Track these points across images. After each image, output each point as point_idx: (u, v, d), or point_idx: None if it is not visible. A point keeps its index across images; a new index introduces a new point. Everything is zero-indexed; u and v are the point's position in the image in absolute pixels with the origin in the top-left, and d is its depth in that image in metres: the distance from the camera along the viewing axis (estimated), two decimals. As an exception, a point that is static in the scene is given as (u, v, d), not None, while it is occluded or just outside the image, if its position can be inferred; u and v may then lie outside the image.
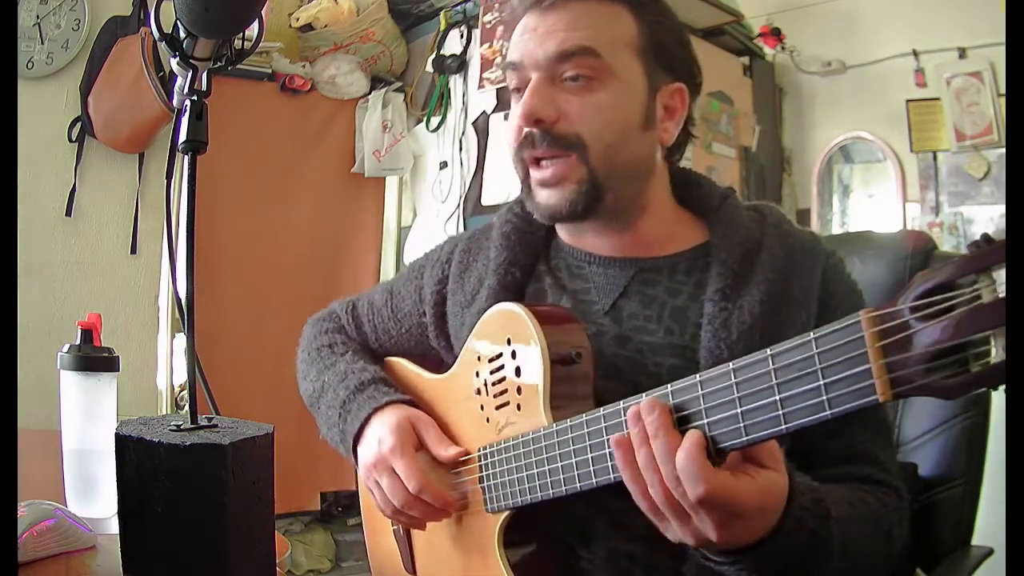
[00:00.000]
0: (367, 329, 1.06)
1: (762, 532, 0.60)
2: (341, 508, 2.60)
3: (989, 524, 1.03)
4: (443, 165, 2.44)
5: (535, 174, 0.82)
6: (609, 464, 0.64)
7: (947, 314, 0.44)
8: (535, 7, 0.81)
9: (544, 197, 0.82)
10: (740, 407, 0.55)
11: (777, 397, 0.53)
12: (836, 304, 0.80)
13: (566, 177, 0.80)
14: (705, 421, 0.57)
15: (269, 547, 0.61)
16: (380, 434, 0.84)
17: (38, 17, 2.04)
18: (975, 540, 1.04)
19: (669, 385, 0.60)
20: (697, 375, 0.58)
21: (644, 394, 0.62)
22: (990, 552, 1.01)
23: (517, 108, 0.82)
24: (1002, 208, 2.41)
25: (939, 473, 1.01)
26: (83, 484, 0.86)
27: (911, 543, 0.80)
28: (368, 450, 0.86)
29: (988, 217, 2.46)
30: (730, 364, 0.56)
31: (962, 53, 2.50)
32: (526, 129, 0.80)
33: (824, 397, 0.50)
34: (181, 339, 2.26)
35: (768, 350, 0.54)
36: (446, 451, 0.82)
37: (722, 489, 0.55)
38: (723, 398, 0.56)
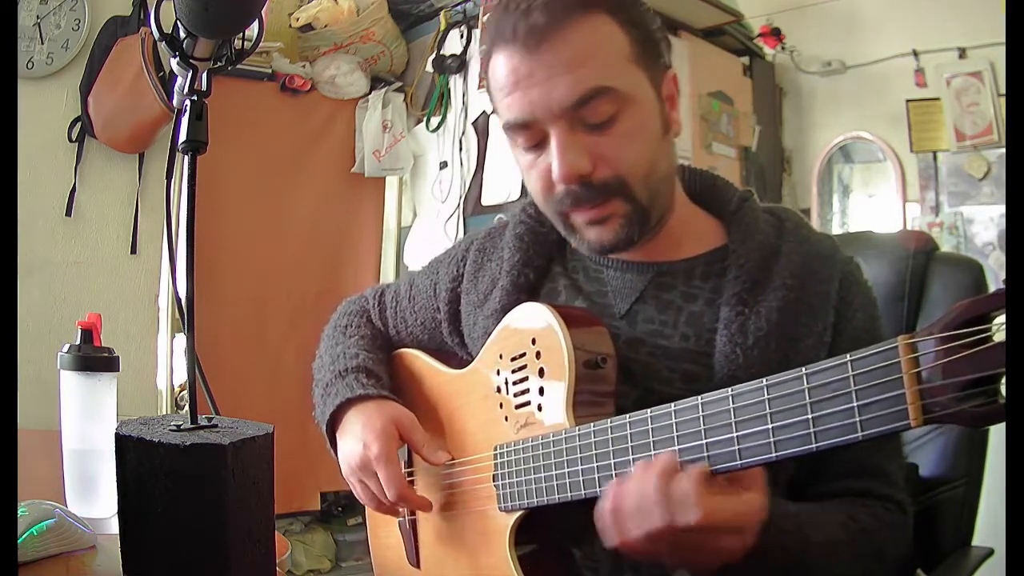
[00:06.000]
0: (388, 315, 1.07)
1: (735, 551, 0.60)
2: (341, 508, 2.60)
3: (989, 524, 1.03)
4: (443, 165, 2.43)
5: (579, 216, 0.79)
6: (631, 470, 0.64)
7: (981, 345, 0.45)
8: (520, 45, 0.75)
9: (595, 234, 0.79)
10: (771, 423, 0.55)
11: (809, 416, 0.53)
12: (851, 314, 0.79)
13: (613, 214, 0.78)
14: (735, 434, 0.57)
15: (269, 547, 0.61)
16: (365, 437, 0.85)
17: (38, 17, 2.04)
18: (975, 540, 1.04)
19: (699, 397, 0.60)
20: (729, 389, 0.58)
21: (672, 404, 0.62)
22: (990, 552, 1.01)
23: (534, 160, 0.79)
24: (1002, 208, 2.41)
25: (940, 474, 1.01)
26: (83, 484, 0.86)
27: (911, 548, 0.80)
28: (352, 450, 0.87)
29: (988, 217, 2.46)
30: (763, 380, 0.56)
31: (962, 53, 2.50)
32: (564, 187, 0.77)
33: (857, 419, 0.51)
34: (181, 339, 2.25)
35: (803, 369, 0.54)
36: (435, 457, 0.86)
37: (712, 514, 0.57)
38: (754, 413, 0.56)
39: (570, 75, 0.73)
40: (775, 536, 0.62)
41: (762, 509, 0.61)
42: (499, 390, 0.81)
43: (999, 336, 0.45)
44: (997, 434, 1.01)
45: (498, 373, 0.81)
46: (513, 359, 0.80)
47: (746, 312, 0.77)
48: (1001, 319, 0.45)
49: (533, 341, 0.77)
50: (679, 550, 0.61)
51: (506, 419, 0.80)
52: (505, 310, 0.85)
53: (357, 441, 0.86)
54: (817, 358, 0.75)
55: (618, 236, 0.79)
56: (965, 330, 0.46)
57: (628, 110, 0.76)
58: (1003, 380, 0.45)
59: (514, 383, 0.79)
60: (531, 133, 0.77)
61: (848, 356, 0.51)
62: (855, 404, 0.51)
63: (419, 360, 1.00)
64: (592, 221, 0.79)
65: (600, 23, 0.75)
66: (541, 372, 0.76)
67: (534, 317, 0.78)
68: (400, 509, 0.91)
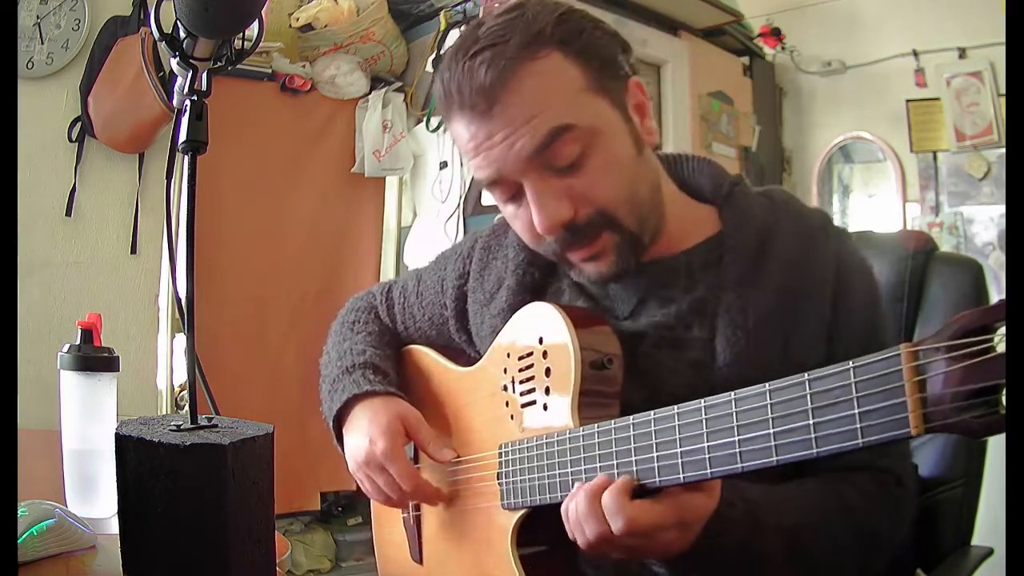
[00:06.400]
0: (396, 311, 1.07)
1: (682, 545, 0.64)
2: (341, 508, 2.60)
3: (989, 524, 1.03)
4: (443, 165, 2.43)
5: (573, 256, 0.79)
6: (634, 470, 0.64)
7: (984, 355, 0.45)
8: (472, 110, 0.74)
9: (593, 268, 0.80)
10: (773, 428, 0.55)
11: (811, 421, 0.53)
12: (848, 287, 0.80)
13: (604, 248, 0.78)
14: (736, 438, 0.57)
15: (269, 547, 0.61)
16: (371, 433, 0.85)
17: (38, 17, 2.04)
18: (975, 540, 1.04)
19: (703, 400, 0.60)
20: (732, 393, 0.58)
21: (675, 407, 0.62)
22: (990, 552, 1.01)
23: (515, 210, 0.79)
24: (1002, 208, 2.41)
25: (939, 473, 1.01)
26: (83, 484, 0.86)
27: (911, 542, 0.80)
28: (358, 445, 0.87)
29: (988, 217, 2.46)
30: (766, 385, 0.56)
31: (962, 53, 2.50)
32: (551, 237, 0.77)
33: (858, 425, 0.51)
34: (181, 339, 2.25)
35: (806, 374, 0.54)
36: (440, 454, 0.86)
37: (636, 520, 0.61)
38: (757, 417, 0.56)
39: (527, 126, 0.72)
40: (722, 524, 0.65)
41: (705, 506, 0.63)
42: (505, 388, 0.81)
43: (1002, 347, 0.45)
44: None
45: (505, 372, 0.82)
46: (520, 358, 0.80)
47: (745, 295, 0.77)
48: (1004, 329, 0.45)
49: (540, 341, 0.77)
50: (627, 550, 0.65)
51: (511, 417, 0.80)
52: (512, 309, 0.85)
53: (364, 437, 0.86)
54: (817, 336, 0.77)
55: (614, 267, 0.79)
56: (968, 339, 0.46)
57: (595, 144, 0.74)
58: (1004, 391, 0.45)
59: (520, 382, 0.79)
60: (504, 187, 0.77)
61: (850, 363, 0.51)
62: (856, 411, 0.51)
63: (427, 357, 1.00)
64: (586, 258, 0.79)
65: (548, 64, 0.73)
66: (548, 372, 0.76)
67: (542, 317, 0.78)
68: (407, 502, 0.92)
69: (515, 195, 0.78)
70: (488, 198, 2.25)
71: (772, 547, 0.69)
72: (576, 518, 0.66)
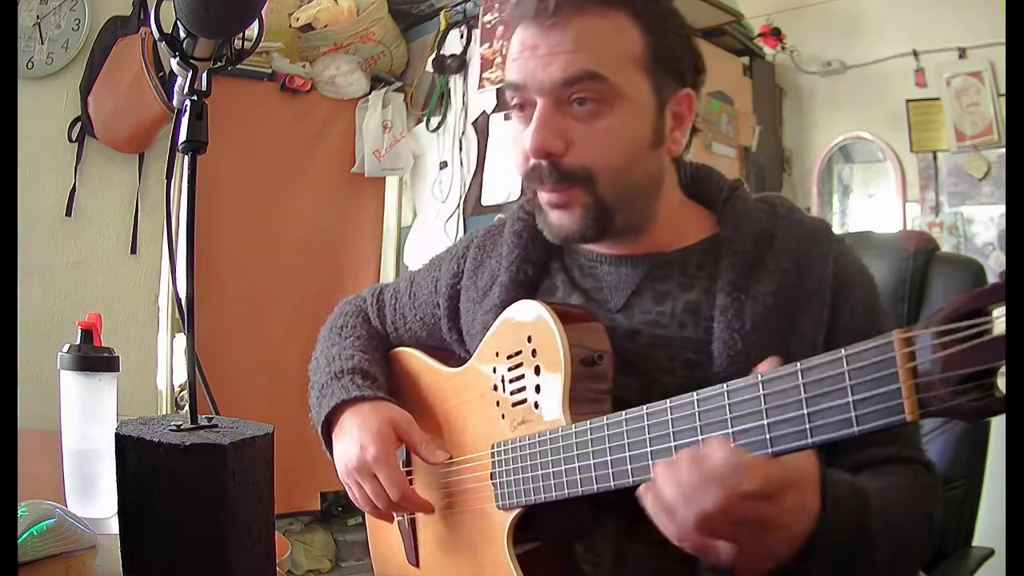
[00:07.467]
0: (387, 312, 1.07)
1: (800, 515, 0.58)
2: (341, 508, 2.60)
3: (990, 525, 1.03)
4: (443, 165, 2.44)
5: (543, 196, 0.81)
6: (628, 467, 0.64)
7: (977, 339, 0.45)
8: (535, 21, 0.78)
9: (556, 218, 0.81)
10: (766, 419, 0.55)
11: (805, 411, 0.53)
12: (848, 292, 0.80)
13: (573, 201, 0.79)
14: (730, 431, 0.57)
15: (269, 547, 0.61)
16: (362, 439, 0.85)
17: (38, 17, 2.04)
18: (976, 541, 1.04)
19: (695, 393, 0.60)
20: (725, 385, 0.58)
21: (668, 400, 0.62)
22: (991, 553, 1.01)
23: (522, 131, 0.80)
24: (1002, 208, 2.41)
25: (940, 474, 1.01)
26: (83, 484, 0.86)
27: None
28: (348, 452, 0.86)
29: (988, 217, 2.46)
30: (759, 376, 0.56)
31: (962, 53, 2.50)
32: (534, 161, 0.78)
33: (852, 414, 0.51)
34: (181, 339, 2.25)
35: (798, 364, 0.54)
36: (434, 456, 0.85)
37: (764, 469, 0.54)
38: (750, 409, 0.56)
39: (567, 56, 0.75)
40: (834, 496, 0.60)
41: (807, 463, 0.58)
42: (496, 388, 0.81)
43: (995, 330, 0.45)
44: (997, 434, 1.01)
45: (495, 371, 0.82)
46: (509, 357, 0.80)
47: (742, 298, 0.77)
48: (997, 312, 0.45)
49: (529, 339, 0.77)
50: (750, 526, 0.57)
51: (503, 417, 0.80)
52: (504, 306, 0.85)
53: (354, 443, 0.85)
54: (816, 340, 0.76)
55: (576, 225, 0.79)
56: (961, 323, 0.46)
57: (616, 105, 0.76)
58: (1000, 374, 0.45)
59: (510, 381, 0.79)
60: (521, 96, 0.79)
61: (843, 351, 0.52)
62: (850, 399, 0.51)
63: (416, 359, 1.00)
64: (553, 204, 0.80)
65: (616, 20, 0.77)
66: (537, 370, 0.76)
67: (530, 315, 0.78)
68: (396, 513, 0.91)
69: (526, 109, 0.80)
70: (488, 198, 2.26)
71: (877, 526, 0.65)
72: (681, 493, 0.57)
